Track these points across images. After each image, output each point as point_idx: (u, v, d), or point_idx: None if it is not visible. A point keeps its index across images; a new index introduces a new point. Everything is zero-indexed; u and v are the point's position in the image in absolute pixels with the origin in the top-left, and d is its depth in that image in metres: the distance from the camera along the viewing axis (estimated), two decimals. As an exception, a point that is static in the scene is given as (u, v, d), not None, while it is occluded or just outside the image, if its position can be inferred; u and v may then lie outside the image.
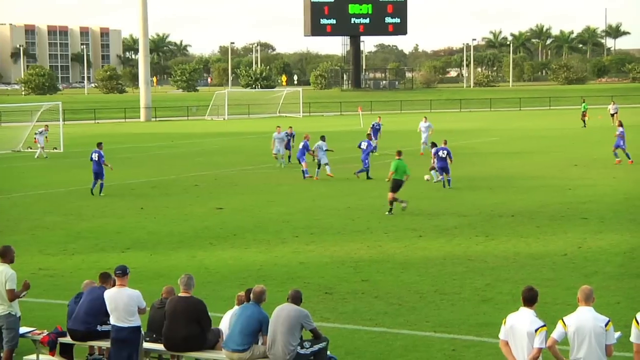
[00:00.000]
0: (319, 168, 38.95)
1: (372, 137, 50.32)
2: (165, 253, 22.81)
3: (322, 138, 39.49)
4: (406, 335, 15.41)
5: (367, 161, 38.34)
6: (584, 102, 75.04)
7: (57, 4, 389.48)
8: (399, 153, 29.59)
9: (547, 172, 39.69)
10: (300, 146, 39.78)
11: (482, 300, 17.69)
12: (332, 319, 16.38)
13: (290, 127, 46.92)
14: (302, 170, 38.39)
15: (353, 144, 55.05)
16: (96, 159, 33.87)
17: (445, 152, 34.62)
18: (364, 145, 38.70)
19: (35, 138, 52.59)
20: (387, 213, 28.43)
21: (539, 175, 38.65)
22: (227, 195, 33.61)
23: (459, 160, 37.98)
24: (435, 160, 35.03)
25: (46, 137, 52.34)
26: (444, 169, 34.75)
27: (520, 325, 10.86)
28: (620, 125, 43.21)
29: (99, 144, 34.96)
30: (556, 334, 10.78)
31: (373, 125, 51.63)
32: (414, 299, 17.88)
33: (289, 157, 44.92)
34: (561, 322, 10.80)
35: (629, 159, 41.60)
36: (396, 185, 28.71)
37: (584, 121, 71.31)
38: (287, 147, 44.93)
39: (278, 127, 44.20)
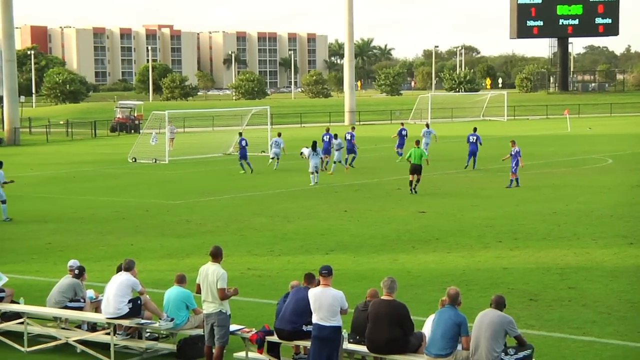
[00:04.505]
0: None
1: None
2: (368, 255, 23.02)
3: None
4: (616, 346, 14.86)
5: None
6: None
7: (267, 11, 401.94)
8: (417, 142, 37.78)
9: None
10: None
11: (699, 312, 16.80)
12: (537, 327, 16.02)
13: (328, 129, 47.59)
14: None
15: (558, 148, 53.66)
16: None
17: (475, 137, 42.87)
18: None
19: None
20: (410, 193, 34.44)
21: None
22: (430, 199, 33.54)
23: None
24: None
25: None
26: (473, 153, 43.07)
27: None
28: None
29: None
30: None
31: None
32: (625, 308, 17.21)
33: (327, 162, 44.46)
34: None
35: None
36: (414, 169, 34.97)
37: None
38: (327, 151, 44.65)
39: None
